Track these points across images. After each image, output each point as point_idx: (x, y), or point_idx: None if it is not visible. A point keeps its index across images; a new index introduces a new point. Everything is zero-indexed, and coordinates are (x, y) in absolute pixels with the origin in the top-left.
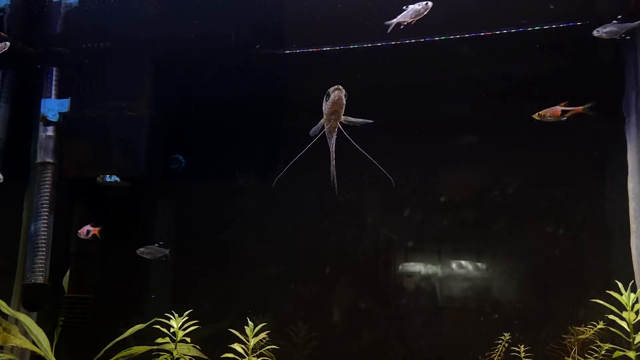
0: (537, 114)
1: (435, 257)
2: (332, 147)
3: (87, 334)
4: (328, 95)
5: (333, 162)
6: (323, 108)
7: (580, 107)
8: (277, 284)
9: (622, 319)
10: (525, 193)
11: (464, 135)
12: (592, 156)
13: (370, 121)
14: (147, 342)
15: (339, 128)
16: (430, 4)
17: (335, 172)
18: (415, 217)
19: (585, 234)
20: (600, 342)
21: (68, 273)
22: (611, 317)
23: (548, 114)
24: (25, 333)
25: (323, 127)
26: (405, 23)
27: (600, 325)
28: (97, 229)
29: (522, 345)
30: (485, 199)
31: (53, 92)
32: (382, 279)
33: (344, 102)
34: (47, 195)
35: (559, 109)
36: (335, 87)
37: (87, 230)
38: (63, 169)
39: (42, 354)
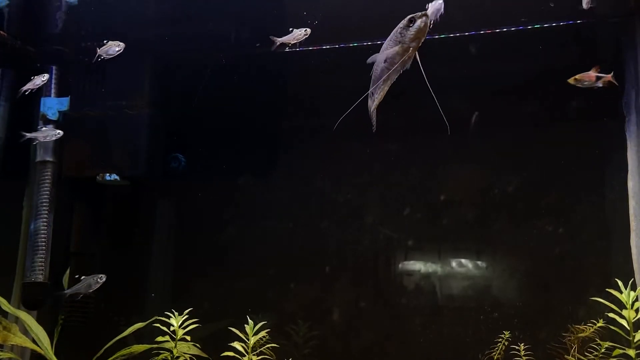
0: (573, 78)
1: (435, 256)
2: (394, 77)
3: (87, 332)
4: (413, 21)
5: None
6: (399, 35)
7: (610, 75)
8: (277, 284)
9: (622, 317)
10: (525, 192)
11: (463, 133)
12: (592, 155)
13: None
14: (147, 341)
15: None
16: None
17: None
18: (415, 216)
19: (585, 233)
20: (600, 340)
21: (68, 272)
22: (611, 315)
23: (585, 78)
24: (25, 331)
25: (396, 57)
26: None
27: (600, 323)
28: None
29: (522, 344)
30: (485, 197)
31: (53, 90)
32: (382, 278)
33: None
34: (47, 194)
35: (592, 74)
36: (423, 13)
37: None
38: (63, 167)
39: (43, 352)
